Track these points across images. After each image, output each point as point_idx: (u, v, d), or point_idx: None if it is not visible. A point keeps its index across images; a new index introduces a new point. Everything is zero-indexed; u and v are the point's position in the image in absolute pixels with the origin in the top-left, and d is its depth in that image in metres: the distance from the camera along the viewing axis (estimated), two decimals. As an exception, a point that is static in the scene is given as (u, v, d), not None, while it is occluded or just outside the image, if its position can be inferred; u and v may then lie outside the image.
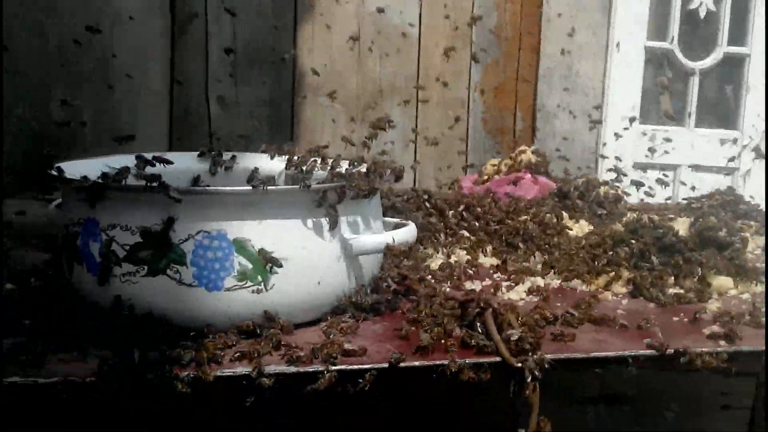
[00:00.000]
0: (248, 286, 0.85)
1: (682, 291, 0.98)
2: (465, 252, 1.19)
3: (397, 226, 0.97)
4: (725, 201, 1.51)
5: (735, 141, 3.11)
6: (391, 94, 3.15)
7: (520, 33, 3.13)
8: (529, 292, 1.02)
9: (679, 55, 3.09)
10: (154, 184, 0.81)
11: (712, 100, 3.22)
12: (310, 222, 0.86)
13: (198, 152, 1.15)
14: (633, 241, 1.10)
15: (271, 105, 3.11)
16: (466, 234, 1.24)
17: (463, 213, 1.29)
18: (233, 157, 1.14)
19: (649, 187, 2.57)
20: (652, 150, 3.05)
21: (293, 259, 0.85)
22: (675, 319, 0.93)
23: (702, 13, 3.06)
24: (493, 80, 3.17)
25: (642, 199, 2.18)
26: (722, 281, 1.02)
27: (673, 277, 1.02)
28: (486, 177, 2.09)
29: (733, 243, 1.08)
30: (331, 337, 0.83)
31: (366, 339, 0.86)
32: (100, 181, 0.84)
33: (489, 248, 1.20)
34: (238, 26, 3.08)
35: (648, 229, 1.11)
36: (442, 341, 0.83)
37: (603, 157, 3.06)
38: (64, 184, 0.90)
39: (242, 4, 3.03)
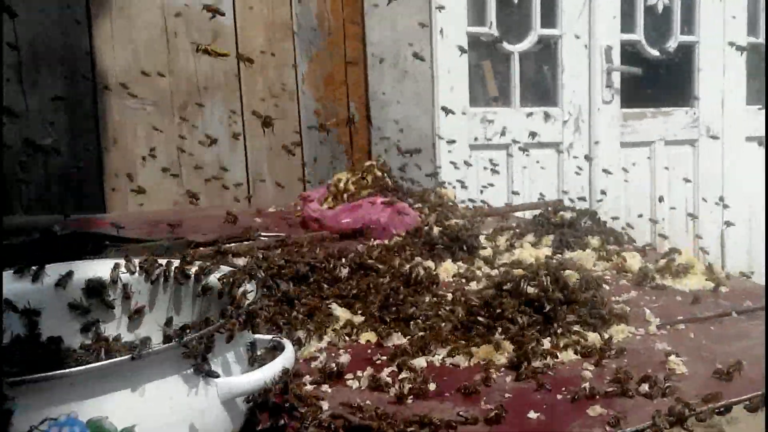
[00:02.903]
0: (109, 473, 0.70)
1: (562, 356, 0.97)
2: (335, 333, 1.10)
3: (272, 346, 0.86)
4: (573, 219, 1.56)
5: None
6: (210, 91, 2.94)
7: (343, 22, 3.04)
8: (412, 380, 0.96)
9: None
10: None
11: (532, 81, 3.38)
12: (176, 378, 0.73)
13: (13, 269, 0.93)
14: (504, 301, 1.08)
15: (68, 110, 2.77)
16: (336, 308, 1.15)
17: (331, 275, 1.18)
18: (69, 274, 0.95)
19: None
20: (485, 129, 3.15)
21: (162, 426, 0.72)
22: (558, 397, 0.91)
23: (516, -2, 3.17)
24: (321, 71, 3.06)
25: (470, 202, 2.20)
26: (591, 337, 1.03)
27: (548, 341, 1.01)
28: (334, 195, 2.00)
29: (593, 296, 1.09)
30: None
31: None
32: None
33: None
34: (18, 22, 2.67)
35: (516, 283, 1.10)
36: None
37: (444, 139, 3.09)
38: None
39: (19, -4, 2.64)
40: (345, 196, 1.97)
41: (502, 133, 3.18)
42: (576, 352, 0.98)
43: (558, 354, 0.97)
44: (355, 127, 3.09)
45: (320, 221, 1.83)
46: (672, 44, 3.50)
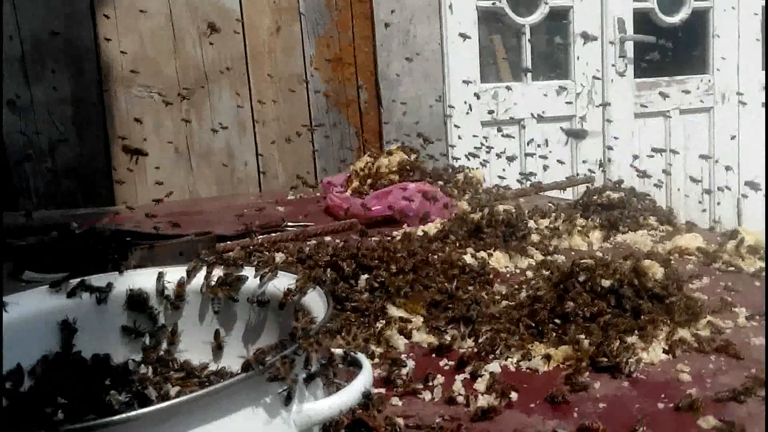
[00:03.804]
0: None
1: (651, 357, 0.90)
2: (397, 332, 1.03)
3: (345, 360, 0.78)
4: (621, 199, 1.48)
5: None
6: (217, 77, 2.83)
7: (350, 1, 2.93)
8: (491, 390, 0.88)
9: (509, 12, 3.07)
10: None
11: (543, 53, 3.28)
12: (252, 410, 0.65)
13: (49, 283, 0.85)
14: (578, 294, 1.00)
15: (74, 103, 2.67)
16: (390, 307, 1.07)
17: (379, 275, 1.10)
18: (109, 285, 0.86)
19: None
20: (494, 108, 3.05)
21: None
22: (660, 405, 0.83)
23: (525, -32, 3.06)
24: (329, 52, 2.96)
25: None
26: (682, 333, 0.96)
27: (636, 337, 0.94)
28: (357, 180, 1.91)
29: (672, 290, 1.02)
30: None
31: None
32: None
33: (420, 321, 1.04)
34: (20, 15, 2.57)
35: (589, 272, 1.02)
36: None
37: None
38: None
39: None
40: (369, 181, 1.89)
41: (515, 108, 3.09)
42: (666, 351, 0.90)
43: (646, 353, 0.90)
44: (365, 107, 3.00)
45: (347, 209, 1.74)
46: (685, 11, 3.40)
